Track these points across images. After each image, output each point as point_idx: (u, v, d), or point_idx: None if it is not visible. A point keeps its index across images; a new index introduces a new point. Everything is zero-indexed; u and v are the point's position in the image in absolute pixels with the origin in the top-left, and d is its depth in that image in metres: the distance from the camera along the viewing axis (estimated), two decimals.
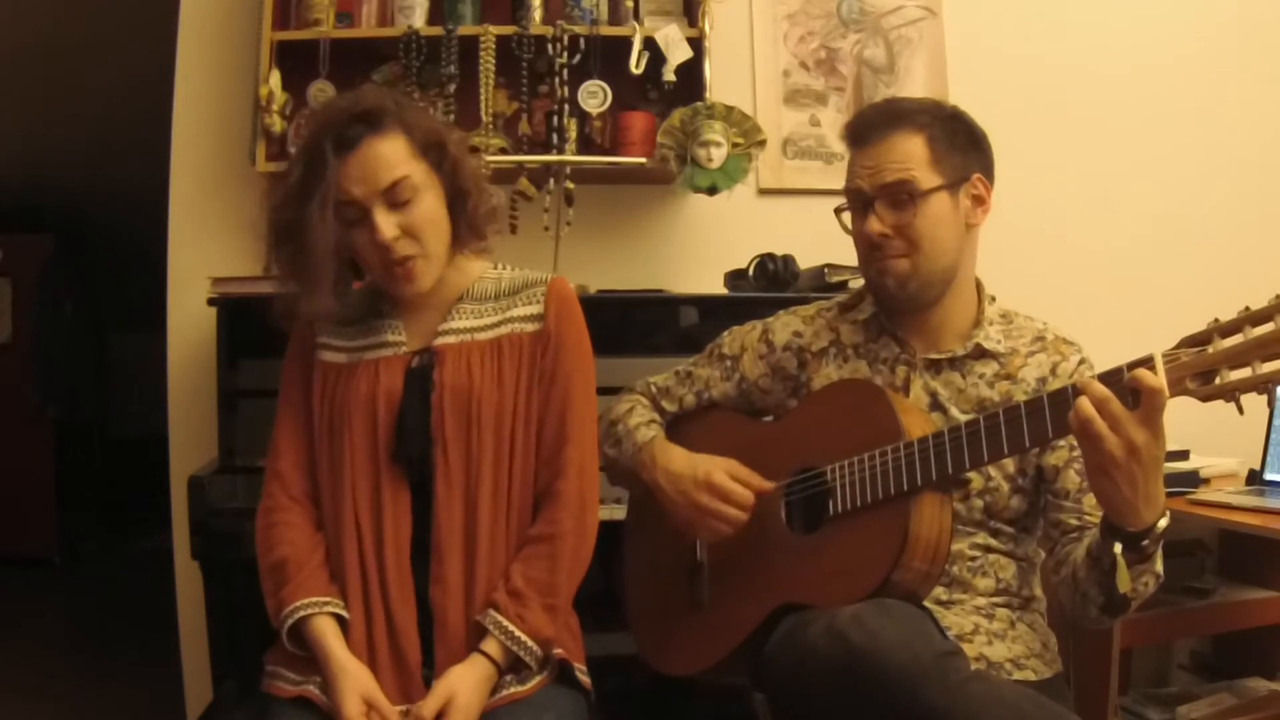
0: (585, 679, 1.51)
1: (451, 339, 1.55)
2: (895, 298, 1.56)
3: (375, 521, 1.48)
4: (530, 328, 1.55)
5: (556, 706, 1.44)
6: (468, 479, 1.49)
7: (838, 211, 1.60)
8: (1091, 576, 1.38)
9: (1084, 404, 1.24)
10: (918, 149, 1.52)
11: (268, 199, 1.56)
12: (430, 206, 1.50)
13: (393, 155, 1.47)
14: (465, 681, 1.40)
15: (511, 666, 1.45)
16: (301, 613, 1.43)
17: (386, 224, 1.46)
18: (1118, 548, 1.30)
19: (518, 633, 1.43)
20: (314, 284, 1.48)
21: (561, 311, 1.56)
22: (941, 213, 1.52)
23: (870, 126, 1.55)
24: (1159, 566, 1.37)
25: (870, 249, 1.54)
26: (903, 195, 1.51)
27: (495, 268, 1.63)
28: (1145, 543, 1.30)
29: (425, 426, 1.50)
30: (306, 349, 1.58)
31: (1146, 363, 1.24)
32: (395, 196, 1.47)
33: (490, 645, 1.43)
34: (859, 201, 1.55)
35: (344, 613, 1.45)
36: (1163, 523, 1.30)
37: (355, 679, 1.39)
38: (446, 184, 1.53)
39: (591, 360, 1.59)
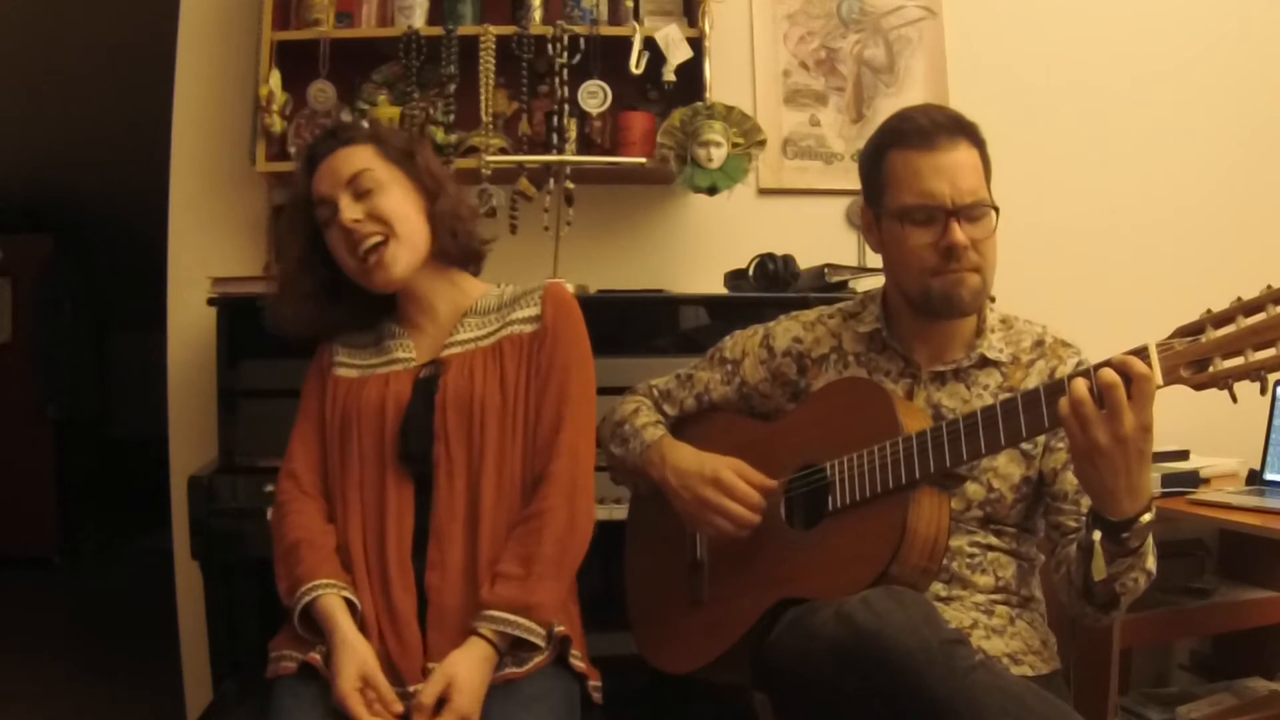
0: (581, 664, 1.53)
1: (457, 349, 1.61)
2: (960, 311, 1.52)
3: (379, 515, 1.53)
4: (529, 328, 1.61)
5: (548, 696, 1.45)
6: (470, 471, 1.53)
7: (900, 218, 1.49)
8: (1080, 570, 1.38)
9: (1078, 386, 1.24)
10: (979, 164, 1.51)
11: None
12: (398, 200, 1.58)
13: (358, 155, 1.59)
14: (464, 664, 1.42)
15: (513, 647, 1.47)
16: (316, 592, 1.47)
17: (350, 208, 1.55)
18: (1096, 535, 1.31)
19: (496, 612, 1.44)
20: (286, 290, 1.62)
21: (558, 310, 1.61)
22: (994, 233, 1.50)
23: (939, 128, 1.48)
24: (1150, 563, 1.36)
25: (945, 259, 1.47)
26: (980, 211, 1.48)
27: (498, 286, 1.69)
28: (1126, 535, 1.29)
29: (428, 425, 1.54)
30: (324, 366, 1.65)
31: (1141, 353, 1.24)
32: (359, 186, 1.56)
33: (482, 626, 1.45)
34: (938, 211, 1.47)
35: (355, 599, 1.48)
36: (1146, 517, 1.29)
37: (356, 654, 1.42)
38: (420, 188, 1.61)
39: (589, 355, 1.63)
